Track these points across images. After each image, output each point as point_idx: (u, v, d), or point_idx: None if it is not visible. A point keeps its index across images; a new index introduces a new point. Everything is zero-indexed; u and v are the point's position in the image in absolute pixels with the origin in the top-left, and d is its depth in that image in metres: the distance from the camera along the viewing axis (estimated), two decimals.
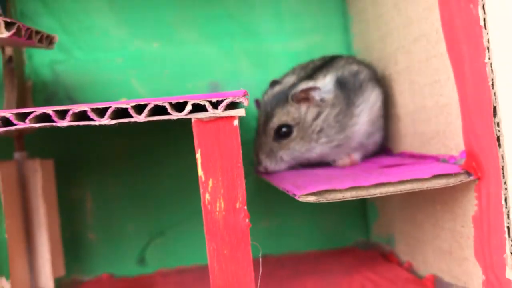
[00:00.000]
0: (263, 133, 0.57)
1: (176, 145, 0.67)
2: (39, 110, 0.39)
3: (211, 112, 0.39)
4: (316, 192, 0.41)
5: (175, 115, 0.39)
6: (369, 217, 0.69)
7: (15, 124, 0.39)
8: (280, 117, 0.55)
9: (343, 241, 0.70)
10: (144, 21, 0.67)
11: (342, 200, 0.42)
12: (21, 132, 0.60)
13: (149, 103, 0.39)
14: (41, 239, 0.57)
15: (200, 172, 0.40)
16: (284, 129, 0.55)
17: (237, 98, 0.39)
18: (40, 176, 0.57)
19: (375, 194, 0.42)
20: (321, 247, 0.69)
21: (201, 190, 0.41)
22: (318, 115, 0.55)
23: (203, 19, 0.68)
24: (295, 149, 0.56)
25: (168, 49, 0.67)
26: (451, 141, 0.46)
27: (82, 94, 0.66)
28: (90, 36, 0.67)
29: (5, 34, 0.45)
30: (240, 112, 0.40)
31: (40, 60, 0.66)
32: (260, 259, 0.42)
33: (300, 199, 0.41)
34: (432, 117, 0.49)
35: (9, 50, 0.63)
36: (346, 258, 0.64)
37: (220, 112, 0.39)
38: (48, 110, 0.39)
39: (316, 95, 0.54)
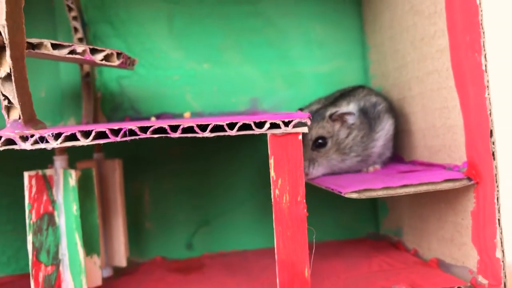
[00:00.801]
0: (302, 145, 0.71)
1: (222, 151, 0.80)
2: (157, 124, 0.51)
3: (283, 129, 0.53)
4: (357, 190, 0.55)
5: (257, 131, 0.53)
6: (380, 213, 0.83)
7: (138, 135, 0.51)
8: (317, 131, 0.68)
9: (356, 233, 0.84)
10: (197, 45, 0.80)
11: (375, 197, 0.55)
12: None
13: (238, 122, 0.52)
14: (118, 225, 0.70)
15: (272, 173, 0.54)
16: (320, 141, 0.68)
17: (303, 119, 0.53)
18: (118, 174, 0.70)
19: (400, 193, 0.55)
20: (338, 238, 0.83)
21: (272, 187, 0.54)
22: (348, 135, 0.68)
23: (246, 45, 0.81)
24: (332, 157, 0.68)
25: (216, 69, 0.80)
26: (455, 153, 0.60)
27: (144, 105, 0.79)
28: (152, 56, 0.79)
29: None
30: (304, 129, 0.53)
31: (108, 75, 0.79)
32: (314, 240, 0.56)
33: (346, 196, 0.54)
34: (440, 134, 0.63)
35: (86, 67, 0.75)
36: (362, 246, 0.77)
37: (290, 129, 0.53)
38: (164, 124, 0.51)
39: (350, 119, 0.68)
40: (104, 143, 0.71)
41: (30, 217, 0.59)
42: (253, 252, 0.79)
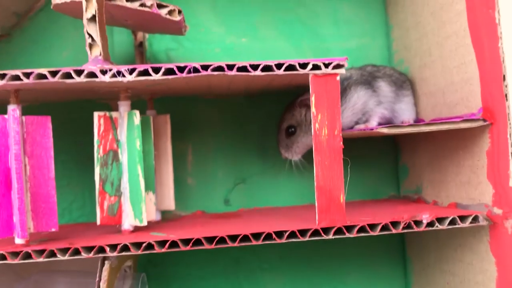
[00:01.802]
0: (279, 133, 0.81)
1: (258, 116, 0.88)
2: (216, 64, 0.60)
3: (323, 70, 0.61)
4: (387, 126, 0.63)
5: (301, 71, 0.61)
6: (400, 176, 0.90)
7: (201, 72, 0.60)
8: (287, 120, 0.79)
9: (378, 195, 0.91)
10: (236, 22, 0.89)
11: (403, 132, 0.63)
12: (151, 96, 0.81)
13: (285, 63, 0.61)
14: (168, 172, 0.78)
15: (313, 109, 0.62)
16: (291, 129, 0.79)
17: (341, 62, 0.61)
18: (168, 126, 0.78)
19: (424, 130, 0.63)
20: (361, 198, 0.90)
21: (313, 121, 0.62)
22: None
23: (280, 22, 0.90)
24: (302, 141, 0.79)
25: (253, 43, 0.89)
26: (472, 103, 0.68)
27: None
28: (196, 31, 0.88)
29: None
30: (342, 71, 0.62)
31: (157, 47, 0.87)
32: (349, 169, 0.64)
33: (377, 130, 0.63)
34: (458, 88, 0.71)
35: (140, 37, 0.84)
36: (385, 203, 0.85)
37: (329, 70, 0.61)
38: (222, 63, 0.60)
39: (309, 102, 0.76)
40: (156, 99, 0.80)
41: (98, 152, 0.67)
42: (286, 208, 0.87)
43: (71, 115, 0.86)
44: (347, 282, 0.89)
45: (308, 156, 0.82)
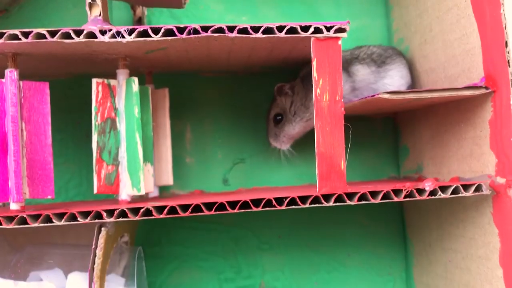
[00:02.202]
0: (268, 123, 0.82)
1: (257, 96, 0.87)
2: (217, 25, 0.59)
3: (325, 34, 0.61)
4: (389, 92, 0.62)
5: (303, 35, 0.60)
6: (400, 156, 0.90)
7: (201, 33, 0.59)
8: (274, 109, 0.80)
9: (378, 176, 0.90)
10: (237, 0, 0.89)
11: (405, 98, 0.62)
12: (150, 69, 0.80)
13: (287, 25, 0.60)
14: (166, 146, 0.77)
15: (314, 73, 0.61)
16: (278, 117, 0.80)
17: (343, 25, 0.61)
18: (167, 100, 0.78)
19: (426, 96, 0.63)
20: (361, 180, 0.89)
21: (314, 86, 0.61)
22: (291, 104, 0.79)
23: (280, 1, 0.89)
24: (285, 129, 0.80)
25: (253, 22, 0.89)
26: (474, 74, 0.67)
27: None
28: (195, 8, 0.87)
29: None
30: (344, 35, 0.61)
31: (156, 23, 0.87)
32: (350, 135, 0.63)
33: (379, 96, 0.62)
34: (460, 60, 0.70)
35: (139, 12, 0.84)
36: (386, 182, 0.84)
37: (331, 33, 0.61)
38: (223, 25, 0.59)
39: (286, 89, 0.79)
40: (154, 76, 0.80)
41: (96, 119, 0.66)
42: (285, 187, 0.86)
43: (68, 91, 0.85)
44: (347, 264, 0.88)
45: (297, 146, 0.83)
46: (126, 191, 0.67)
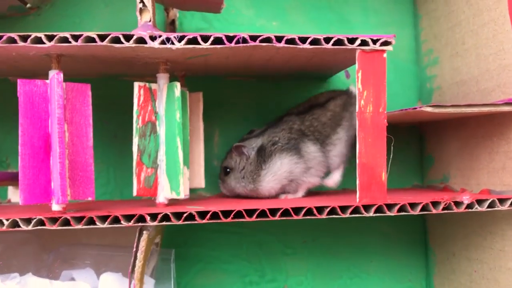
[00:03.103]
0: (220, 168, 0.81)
1: (285, 98, 0.88)
2: (265, 35, 0.60)
3: (371, 46, 0.61)
4: (432, 105, 0.63)
5: (349, 46, 0.61)
6: (424, 166, 0.91)
7: (249, 43, 0.60)
8: (227, 160, 0.80)
9: (401, 185, 0.91)
10: (267, 5, 0.89)
11: (447, 111, 0.63)
12: (184, 74, 0.80)
13: (334, 37, 0.61)
14: (199, 150, 0.77)
15: (359, 85, 0.62)
16: (227, 169, 0.79)
17: (389, 39, 0.61)
18: (201, 104, 0.78)
19: (466, 111, 0.64)
20: None
21: (358, 98, 0.62)
22: (243, 167, 0.78)
23: (309, 7, 0.90)
24: (230, 184, 0.79)
25: (283, 27, 0.89)
26: (509, 89, 0.68)
27: None
28: (227, 13, 0.88)
29: None
30: (389, 48, 0.62)
31: (188, 26, 0.87)
32: (392, 147, 0.64)
33: (421, 109, 0.63)
34: (495, 75, 0.71)
35: (172, 15, 0.84)
36: (412, 191, 0.85)
37: (377, 46, 0.61)
38: (271, 35, 0.60)
39: (245, 151, 0.77)
40: (186, 78, 0.80)
41: (137, 122, 0.66)
42: (316, 192, 0.86)
43: (96, 91, 0.84)
44: (368, 271, 0.89)
45: None
46: (164, 194, 0.67)
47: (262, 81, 0.88)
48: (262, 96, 0.88)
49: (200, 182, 0.77)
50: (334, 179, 0.79)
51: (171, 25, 0.84)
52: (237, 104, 0.88)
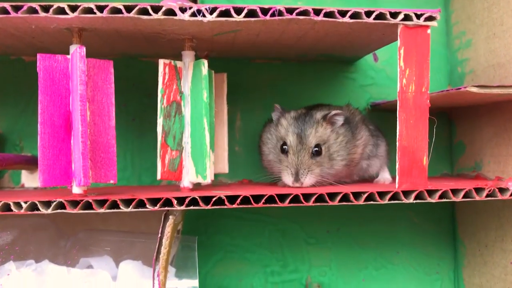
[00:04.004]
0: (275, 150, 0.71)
1: (307, 80, 0.84)
2: (302, 7, 0.56)
3: (415, 21, 0.57)
4: (477, 85, 0.59)
5: (392, 21, 0.57)
6: (454, 154, 0.87)
7: (285, 15, 0.56)
8: (314, 137, 0.67)
9: (430, 172, 0.87)
10: None
11: (493, 92, 0.60)
12: (207, 54, 0.76)
13: (375, 11, 0.57)
14: (223, 134, 0.73)
15: (401, 63, 0.58)
16: (316, 148, 0.67)
17: (434, 14, 0.57)
18: (225, 86, 0.74)
19: (503, 93, 0.60)
20: None
21: (400, 76, 0.58)
22: (337, 138, 0.68)
23: None
24: (324, 165, 0.67)
25: (309, 5, 0.85)
26: None
27: None
28: None
29: None
30: (434, 23, 0.58)
31: (211, 1, 0.83)
32: (434, 129, 0.60)
33: (468, 89, 0.59)
34: None
35: None
36: (445, 179, 0.81)
37: (421, 21, 0.57)
38: (309, 8, 0.56)
39: (339, 120, 0.69)
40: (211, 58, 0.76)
41: (162, 101, 0.63)
42: None
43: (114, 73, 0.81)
44: (395, 262, 0.86)
45: None
46: (189, 178, 0.63)
47: (286, 63, 0.84)
48: (287, 80, 0.85)
49: (224, 167, 0.73)
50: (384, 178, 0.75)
51: (194, 1, 0.80)
52: (259, 87, 0.84)
